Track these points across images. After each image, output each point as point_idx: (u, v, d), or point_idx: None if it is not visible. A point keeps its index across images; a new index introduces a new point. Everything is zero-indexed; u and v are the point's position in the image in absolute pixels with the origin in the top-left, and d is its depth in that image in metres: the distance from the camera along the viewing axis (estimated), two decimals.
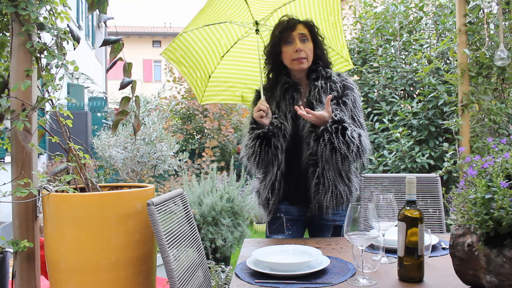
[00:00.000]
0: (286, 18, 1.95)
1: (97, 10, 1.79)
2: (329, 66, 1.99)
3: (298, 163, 1.86)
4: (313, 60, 1.93)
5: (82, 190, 1.86)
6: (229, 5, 2.09)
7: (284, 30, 1.91)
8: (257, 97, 2.01)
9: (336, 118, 1.75)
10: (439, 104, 3.47)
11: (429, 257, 1.51)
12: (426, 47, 3.85)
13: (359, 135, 1.79)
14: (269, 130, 1.82)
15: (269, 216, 1.93)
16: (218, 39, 2.28)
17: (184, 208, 1.79)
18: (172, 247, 1.49)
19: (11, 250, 1.81)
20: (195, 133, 7.55)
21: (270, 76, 2.00)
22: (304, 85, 1.95)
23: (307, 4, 2.17)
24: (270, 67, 1.99)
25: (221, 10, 2.11)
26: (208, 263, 2.10)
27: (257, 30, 2.13)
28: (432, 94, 3.49)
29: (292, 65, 1.90)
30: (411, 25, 4.10)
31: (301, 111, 1.72)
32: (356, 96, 1.92)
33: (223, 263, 2.99)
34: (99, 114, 9.15)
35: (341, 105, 1.85)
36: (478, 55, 2.95)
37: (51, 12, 1.84)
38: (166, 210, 1.58)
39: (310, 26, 1.93)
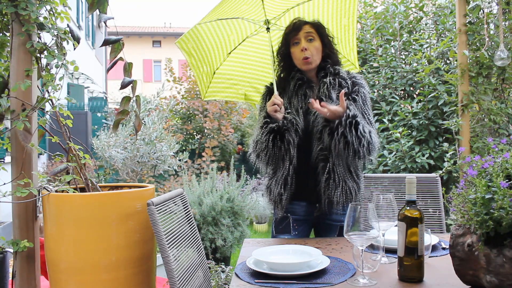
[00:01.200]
0: (294, 20, 1.97)
1: (97, 10, 1.79)
2: (339, 64, 2.00)
3: (308, 158, 1.86)
4: (323, 59, 1.95)
5: (82, 190, 1.86)
6: (245, 1, 2.08)
7: (291, 32, 1.94)
8: (268, 92, 2.02)
9: (350, 113, 1.76)
10: (439, 104, 3.47)
11: (429, 257, 1.51)
12: (426, 47, 3.85)
13: (370, 131, 1.81)
14: (283, 124, 1.83)
15: (281, 212, 1.91)
16: (228, 34, 2.27)
17: (184, 208, 1.79)
18: (172, 247, 1.49)
19: (11, 250, 1.81)
20: (195, 133, 7.56)
21: (282, 75, 2.02)
22: (315, 83, 1.97)
23: (321, 4, 2.16)
24: (282, 68, 2.02)
25: (237, 5, 2.10)
26: (208, 263, 2.10)
27: (268, 29, 2.13)
28: (432, 94, 3.49)
29: (300, 65, 1.93)
30: (411, 25, 4.10)
31: (316, 104, 1.73)
32: (366, 93, 1.94)
33: (223, 263, 2.99)
34: (99, 114, 9.15)
35: (351, 101, 1.86)
36: (478, 55, 2.95)
37: (51, 12, 1.84)
38: (166, 210, 1.58)
39: (317, 25, 1.95)
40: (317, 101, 1.76)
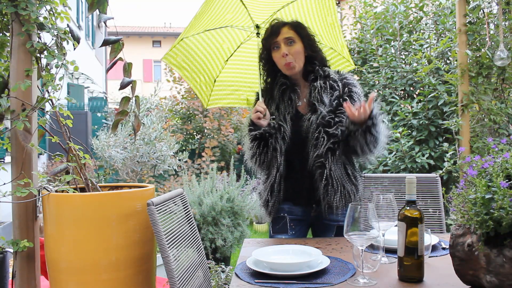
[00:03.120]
0: (272, 23, 1.93)
1: (97, 10, 1.79)
2: (326, 63, 1.96)
3: (301, 164, 1.85)
4: (308, 60, 1.90)
5: (82, 190, 1.86)
6: (228, 10, 2.09)
7: (269, 37, 1.90)
8: (257, 99, 2.00)
9: (374, 114, 1.71)
10: (439, 104, 3.48)
11: (429, 257, 1.51)
12: (426, 47, 3.85)
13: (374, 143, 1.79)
14: (265, 131, 1.83)
15: (270, 216, 1.94)
16: (220, 43, 2.29)
17: (184, 208, 1.79)
18: (172, 247, 1.49)
19: (11, 250, 1.81)
20: (195, 133, 7.56)
21: (268, 80, 1.99)
22: (302, 85, 1.94)
23: (304, 5, 2.17)
24: (266, 72, 1.99)
25: (220, 15, 2.11)
26: (208, 263, 2.10)
27: (258, 34, 2.12)
28: (432, 94, 3.49)
29: (283, 70, 1.90)
30: (411, 25, 4.10)
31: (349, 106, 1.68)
32: (359, 92, 1.91)
33: (223, 263, 2.99)
34: (99, 114, 9.15)
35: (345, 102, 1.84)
36: (478, 55, 2.95)
37: (51, 12, 1.84)
38: (166, 210, 1.58)
39: (295, 26, 1.90)
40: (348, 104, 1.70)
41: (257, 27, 2.13)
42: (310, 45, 1.91)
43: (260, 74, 2.01)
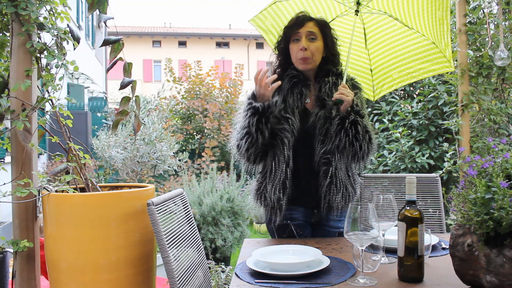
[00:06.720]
0: (298, 14, 1.90)
1: (97, 10, 1.79)
2: (340, 67, 1.94)
3: (308, 161, 1.81)
4: (324, 61, 1.88)
5: (82, 190, 1.86)
6: None
7: (292, 27, 1.86)
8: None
9: (356, 109, 1.76)
10: (439, 104, 3.48)
11: (429, 257, 1.51)
12: None
13: (368, 132, 1.81)
14: (267, 106, 1.73)
15: (279, 218, 1.80)
16: (314, 13, 2.13)
17: (184, 208, 1.79)
18: (172, 247, 1.49)
19: (11, 250, 1.81)
20: (195, 133, 7.56)
21: (278, 71, 1.94)
22: (312, 83, 1.90)
23: None
24: (278, 62, 1.94)
25: None
26: (208, 263, 2.10)
27: (356, 11, 2.02)
28: (432, 94, 3.49)
29: (297, 64, 1.86)
30: None
31: (341, 90, 1.74)
32: (363, 98, 1.90)
33: (223, 263, 2.99)
34: (99, 114, 9.15)
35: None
36: (478, 55, 2.95)
37: (51, 12, 1.84)
38: (166, 210, 1.58)
39: (321, 24, 1.87)
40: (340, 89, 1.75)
41: (358, 3, 2.02)
42: (331, 46, 1.89)
43: (348, 56, 1.92)
